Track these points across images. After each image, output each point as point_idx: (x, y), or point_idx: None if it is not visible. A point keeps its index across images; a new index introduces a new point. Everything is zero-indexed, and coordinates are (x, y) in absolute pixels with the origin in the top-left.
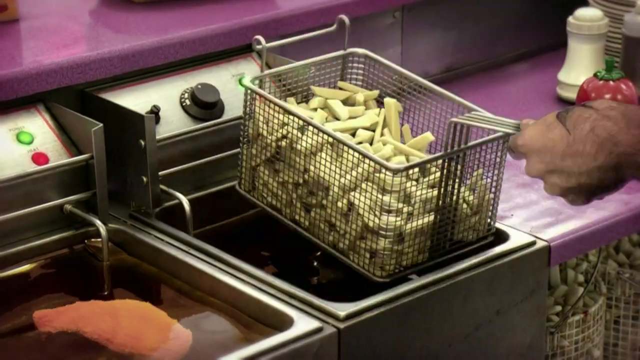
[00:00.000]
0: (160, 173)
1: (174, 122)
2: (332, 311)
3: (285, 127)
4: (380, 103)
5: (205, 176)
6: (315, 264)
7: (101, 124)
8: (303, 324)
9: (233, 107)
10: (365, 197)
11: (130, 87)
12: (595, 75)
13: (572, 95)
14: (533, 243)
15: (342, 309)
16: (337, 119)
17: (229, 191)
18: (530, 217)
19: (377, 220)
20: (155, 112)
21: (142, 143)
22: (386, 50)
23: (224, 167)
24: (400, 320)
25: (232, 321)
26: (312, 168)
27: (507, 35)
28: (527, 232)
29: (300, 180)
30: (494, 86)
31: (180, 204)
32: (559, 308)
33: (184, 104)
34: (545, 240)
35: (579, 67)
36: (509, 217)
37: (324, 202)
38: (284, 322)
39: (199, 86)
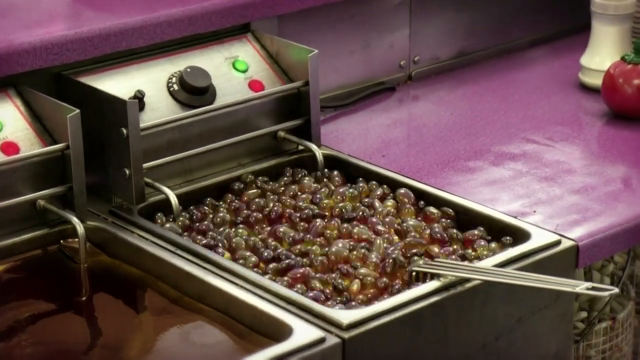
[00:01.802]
0: (144, 165)
1: (160, 109)
2: (336, 319)
3: None
4: None
5: (194, 169)
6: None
7: (78, 110)
8: (303, 333)
9: (226, 93)
10: None
11: (112, 71)
12: (622, 59)
13: (596, 81)
14: (558, 242)
15: (347, 316)
16: None
17: (220, 185)
18: (554, 213)
19: None
20: (139, 97)
21: (125, 132)
22: (393, 33)
23: (215, 158)
24: (411, 329)
25: (224, 330)
26: None
27: (524, 18)
28: (552, 230)
29: None
30: (509, 73)
31: (167, 200)
32: (584, 314)
33: (171, 89)
34: (573, 240)
35: (603, 51)
36: (530, 214)
37: None
38: (282, 332)
39: (188, 70)
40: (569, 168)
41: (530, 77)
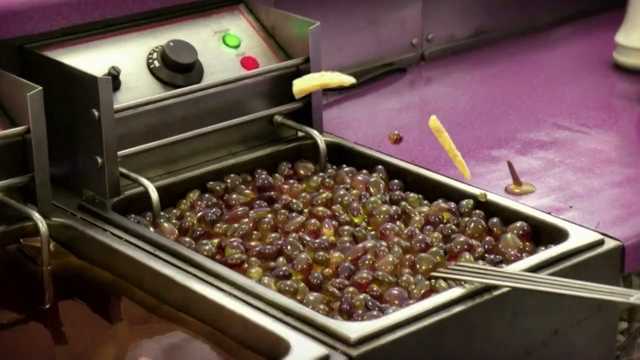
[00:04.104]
0: (119, 153)
1: (138, 88)
2: (341, 333)
3: None
4: None
5: (177, 158)
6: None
7: (40, 88)
8: (303, 350)
9: (214, 71)
10: None
11: (83, 44)
12: None
13: (634, 61)
14: (601, 242)
15: (355, 329)
16: None
17: (207, 177)
18: (594, 209)
19: None
20: (113, 74)
21: (96, 114)
22: (404, 10)
23: (201, 146)
24: (430, 344)
25: (210, 345)
26: None
27: None
28: (593, 228)
29: None
30: (533, 53)
31: (145, 193)
32: (624, 325)
33: (151, 65)
34: (617, 239)
35: None
36: (566, 210)
37: None
38: (278, 348)
39: (171, 44)
40: (607, 157)
41: (556, 58)
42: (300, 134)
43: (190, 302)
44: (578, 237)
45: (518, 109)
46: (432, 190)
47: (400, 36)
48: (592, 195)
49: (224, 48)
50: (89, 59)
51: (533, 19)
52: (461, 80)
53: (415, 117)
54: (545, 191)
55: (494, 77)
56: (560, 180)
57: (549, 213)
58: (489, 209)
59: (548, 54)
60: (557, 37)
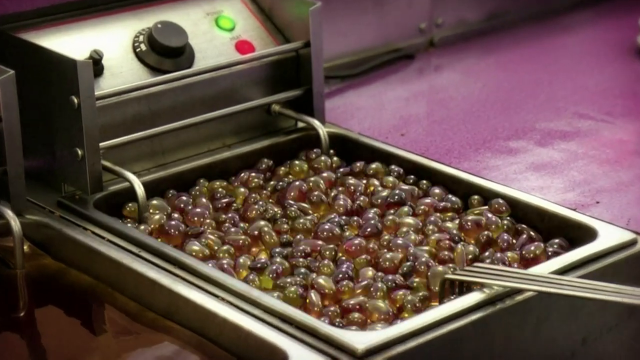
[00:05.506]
0: (101, 144)
1: (123, 74)
2: (346, 343)
3: None
4: None
5: (166, 150)
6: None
7: (12, 71)
8: None
9: (206, 56)
10: None
11: (62, 26)
12: None
13: None
14: (634, 242)
15: (362, 339)
16: None
17: (198, 171)
18: (623, 205)
19: None
20: (95, 58)
21: (76, 101)
22: None
23: (192, 137)
24: (445, 356)
25: (199, 356)
26: None
27: None
28: (624, 226)
29: None
30: (550, 38)
31: (131, 188)
32: None
33: (137, 49)
34: None
35: None
36: (592, 205)
37: None
38: (274, 359)
39: (159, 26)
40: (634, 149)
41: (576, 43)
42: (300, 124)
43: (178, 308)
44: (608, 235)
45: (536, 98)
46: (443, 185)
47: (407, 20)
48: (620, 190)
49: (217, 31)
50: (68, 42)
51: (550, 1)
52: (473, 67)
53: (424, 107)
54: (569, 185)
55: (509, 64)
56: (584, 173)
57: (574, 209)
58: (510, 205)
59: (567, 39)
60: (577, 20)
